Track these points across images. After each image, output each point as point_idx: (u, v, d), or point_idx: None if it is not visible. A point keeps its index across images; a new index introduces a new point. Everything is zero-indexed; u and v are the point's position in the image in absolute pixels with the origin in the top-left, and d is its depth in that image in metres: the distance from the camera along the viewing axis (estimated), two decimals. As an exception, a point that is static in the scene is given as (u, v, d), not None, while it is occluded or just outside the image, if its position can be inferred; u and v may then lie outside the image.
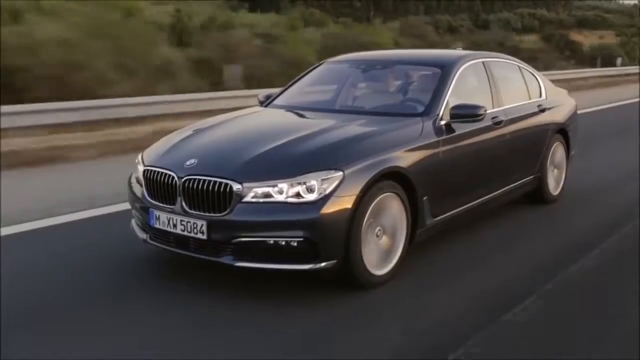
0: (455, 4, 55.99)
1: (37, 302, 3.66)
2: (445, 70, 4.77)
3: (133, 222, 4.31)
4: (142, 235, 4.09)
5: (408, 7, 54.52)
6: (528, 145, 5.48)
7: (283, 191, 3.54)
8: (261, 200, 3.55)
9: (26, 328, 3.34)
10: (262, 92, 5.63)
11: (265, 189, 3.55)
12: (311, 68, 5.64)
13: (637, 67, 28.77)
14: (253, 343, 3.18)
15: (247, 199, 3.56)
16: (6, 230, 4.90)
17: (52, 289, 3.85)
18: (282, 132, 4.10)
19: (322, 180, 3.56)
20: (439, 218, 4.33)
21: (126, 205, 4.49)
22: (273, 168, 3.65)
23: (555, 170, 6.01)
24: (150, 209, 3.90)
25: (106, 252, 4.48)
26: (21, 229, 5.00)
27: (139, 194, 4.07)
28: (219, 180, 3.61)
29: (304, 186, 3.54)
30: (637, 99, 16.43)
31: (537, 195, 5.80)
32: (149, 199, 3.95)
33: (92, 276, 4.05)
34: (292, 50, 19.48)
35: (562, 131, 6.06)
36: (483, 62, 5.24)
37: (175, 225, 3.75)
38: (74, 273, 4.11)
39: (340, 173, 3.60)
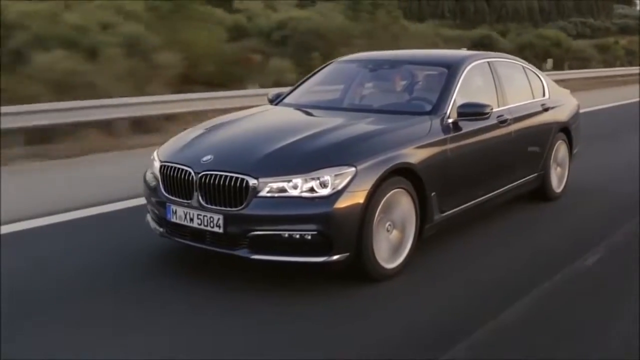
0: (519, 13, 60.02)
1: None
2: (452, 69, 4.89)
3: (148, 216, 4.43)
4: (158, 229, 4.21)
5: (484, 17, 58.44)
6: (532, 144, 5.60)
7: (297, 186, 3.66)
8: (276, 195, 3.67)
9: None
10: (272, 91, 5.78)
11: (280, 184, 3.67)
12: (320, 67, 5.76)
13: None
14: (267, 333, 3.31)
15: (263, 193, 3.68)
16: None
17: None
18: (295, 129, 4.22)
19: (335, 175, 3.68)
20: (446, 214, 4.45)
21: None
22: (288, 164, 3.78)
23: (558, 168, 6.13)
24: (167, 204, 4.01)
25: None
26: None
27: (155, 189, 4.18)
28: (235, 175, 3.73)
29: (318, 181, 3.66)
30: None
31: (541, 192, 5.92)
32: (165, 194, 4.06)
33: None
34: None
35: (565, 130, 6.19)
36: (488, 62, 5.36)
37: (192, 220, 3.87)
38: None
39: (353, 169, 3.72)
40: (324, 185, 3.66)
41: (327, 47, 17.22)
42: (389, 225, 3.96)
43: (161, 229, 4.17)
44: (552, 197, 6.02)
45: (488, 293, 3.84)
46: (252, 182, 3.68)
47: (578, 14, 60.11)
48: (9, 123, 8.27)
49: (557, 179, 6.12)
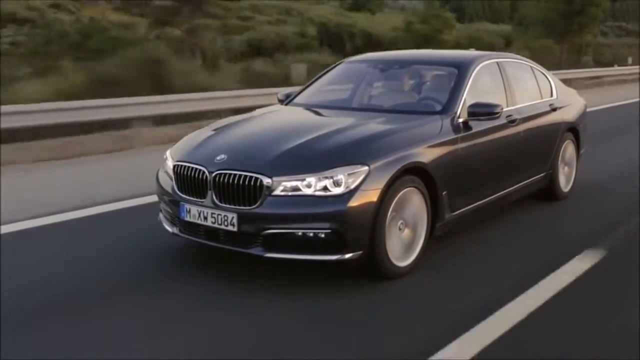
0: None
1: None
2: (462, 69, 4.93)
3: (161, 215, 4.46)
4: (171, 228, 4.24)
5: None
6: (540, 143, 5.63)
7: (311, 185, 3.70)
8: (290, 193, 3.71)
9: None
10: (281, 91, 5.83)
11: (294, 183, 3.71)
12: (330, 67, 5.79)
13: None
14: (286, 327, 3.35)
15: (277, 192, 3.71)
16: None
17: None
18: (308, 129, 4.26)
19: (349, 174, 3.71)
20: (457, 212, 4.48)
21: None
22: (301, 163, 3.81)
23: (566, 168, 6.16)
24: (181, 203, 4.05)
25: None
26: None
27: (168, 188, 4.22)
28: (249, 174, 3.77)
29: (331, 180, 3.70)
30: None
31: (549, 191, 5.95)
32: (179, 192, 4.10)
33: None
34: None
35: (572, 129, 6.22)
36: (497, 62, 5.39)
37: (205, 218, 3.90)
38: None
39: (366, 168, 3.75)
40: (337, 184, 3.70)
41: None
42: (401, 223, 3.99)
43: (174, 228, 4.20)
44: (559, 196, 6.05)
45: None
46: (266, 181, 3.72)
47: (613, 18, 61.78)
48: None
49: (565, 179, 6.15)
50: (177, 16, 22.28)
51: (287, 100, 5.48)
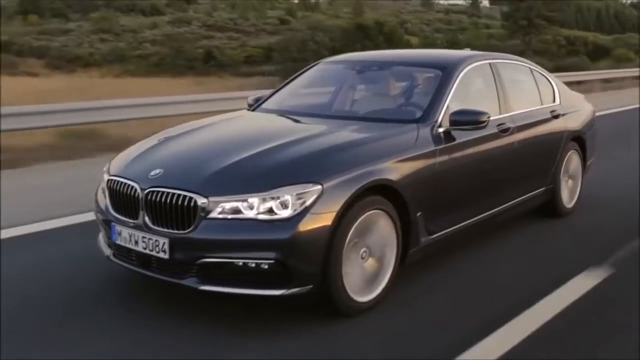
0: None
1: None
2: (446, 72, 4.35)
3: (100, 236, 3.94)
4: (106, 251, 3.73)
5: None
6: (539, 155, 5.03)
7: (254, 207, 3.15)
8: (229, 216, 3.16)
9: None
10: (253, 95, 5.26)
11: (234, 204, 3.16)
12: (305, 69, 5.23)
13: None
14: None
15: (214, 214, 3.17)
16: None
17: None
18: (261, 140, 3.69)
19: (298, 194, 3.15)
20: (435, 235, 3.91)
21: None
22: (243, 180, 3.26)
23: (570, 181, 5.55)
24: (112, 223, 3.53)
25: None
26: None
27: (102, 206, 3.70)
28: (182, 193, 3.23)
29: (277, 201, 3.14)
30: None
31: (550, 208, 5.34)
32: (112, 212, 3.58)
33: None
34: None
35: (578, 139, 5.60)
36: (490, 64, 4.80)
37: (136, 242, 3.38)
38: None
39: (319, 187, 3.19)
40: (284, 205, 3.14)
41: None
42: (364, 251, 3.42)
43: (109, 252, 3.68)
44: (562, 212, 5.44)
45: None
46: (201, 201, 3.17)
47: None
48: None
49: (569, 193, 5.53)
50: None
51: (255, 105, 4.93)
